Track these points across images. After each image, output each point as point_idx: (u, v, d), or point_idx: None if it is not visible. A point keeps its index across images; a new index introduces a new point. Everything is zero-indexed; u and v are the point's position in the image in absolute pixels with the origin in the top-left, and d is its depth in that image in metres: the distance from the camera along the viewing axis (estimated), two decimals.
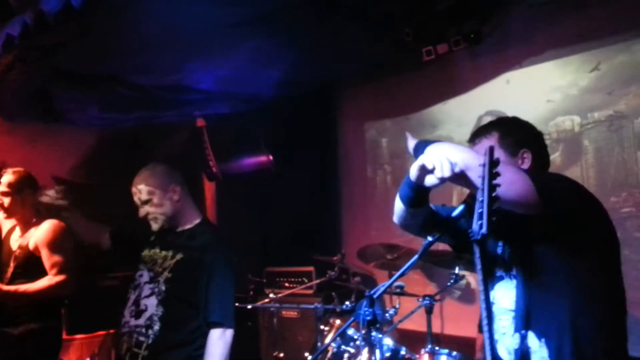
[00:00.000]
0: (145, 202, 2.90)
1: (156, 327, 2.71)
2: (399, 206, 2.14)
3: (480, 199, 1.62)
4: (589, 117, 4.13)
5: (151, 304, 2.76)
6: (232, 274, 2.84)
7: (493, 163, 1.64)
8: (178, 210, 2.93)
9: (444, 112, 5.00)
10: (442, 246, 4.09)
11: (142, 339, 2.72)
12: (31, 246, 3.55)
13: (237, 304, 4.28)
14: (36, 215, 3.68)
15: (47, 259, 3.52)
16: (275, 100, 5.22)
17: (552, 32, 4.23)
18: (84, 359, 4.73)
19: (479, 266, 1.62)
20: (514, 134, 2.05)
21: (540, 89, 4.35)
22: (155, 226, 2.92)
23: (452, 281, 3.53)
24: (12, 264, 3.53)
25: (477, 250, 1.62)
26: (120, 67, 4.14)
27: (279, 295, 4.59)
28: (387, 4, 3.59)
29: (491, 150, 1.66)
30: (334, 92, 5.82)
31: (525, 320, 1.87)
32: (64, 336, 4.58)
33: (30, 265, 3.52)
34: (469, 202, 2.02)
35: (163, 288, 2.78)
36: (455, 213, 2.01)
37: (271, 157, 5.55)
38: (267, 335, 5.08)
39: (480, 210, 1.61)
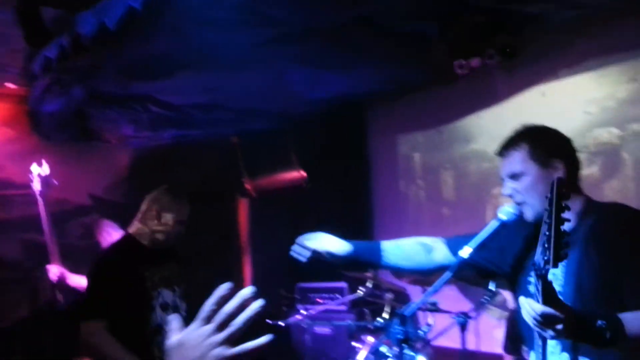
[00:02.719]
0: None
1: None
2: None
3: (547, 233, 1.59)
4: (628, 129, 4.01)
5: None
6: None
7: (561, 196, 1.60)
8: None
9: (478, 126, 4.93)
10: None
11: None
12: None
13: (268, 320, 4.32)
14: None
15: None
16: (307, 117, 5.24)
17: (588, 44, 4.14)
18: None
19: (540, 300, 1.59)
20: (544, 144, 1.97)
21: (576, 101, 4.25)
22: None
23: (487, 298, 3.46)
24: None
25: (539, 283, 1.60)
26: (154, 87, 4.21)
27: (311, 311, 4.56)
28: (418, 19, 3.57)
29: (559, 181, 1.62)
30: (366, 108, 5.80)
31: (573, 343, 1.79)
32: None
33: None
34: (504, 220, 1.98)
35: None
36: (488, 230, 1.97)
37: (304, 173, 5.56)
38: (299, 352, 5.04)
39: (546, 245, 1.58)
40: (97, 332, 2.67)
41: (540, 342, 1.71)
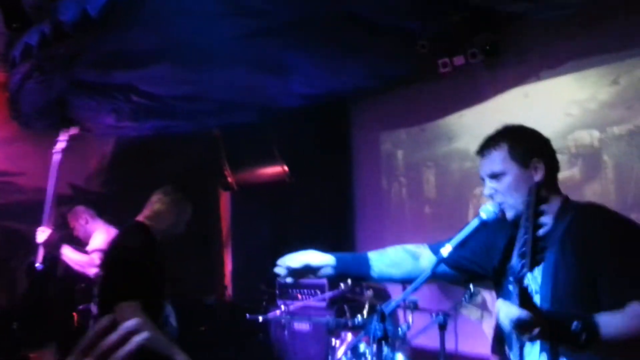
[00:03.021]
0: None
1: None
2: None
3: (524, 237, 1.59)
4: (609, 131, 4.05)
5: None
6: None
7: (539, 200, 1.61)
8: None
9: (461, 125, 4.94)
10: None
11: None
12: None
13: (248, 315, 4.30)
14: None
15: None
16: (290, 111, 5.22)
17: (570, 45, 4.16)
18: None
19: (516, 303, 1.59)
20: (523, 143, 1.97)
21: (558, 103, 4.28)
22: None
23: (466, 297, 3.47)
24: None
25: (515, 288, 1.61)
26: (135, 77, 4.16)
27: (291, 307, 4.55)
28: (402, 15, 3.56)
29: (537, 186, 1.64)
30: (349, 103, 5.79)
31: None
32: None
33: None
34: (485, 220, 1.98)
35: None
36: (469, 229, 1.97)
37: (286, 168, 5.54)
38: (278, 348, 5.03)
39: (523, 249, 1.58)
40: (136, 312, 2.64)
41: (517, 344, 1.72)
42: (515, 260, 1.61)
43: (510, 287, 1.89)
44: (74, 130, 4.13)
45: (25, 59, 3.73)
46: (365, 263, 2.21)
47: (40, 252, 4.04)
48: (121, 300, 2.68)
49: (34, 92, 3.95)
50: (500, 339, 3.38)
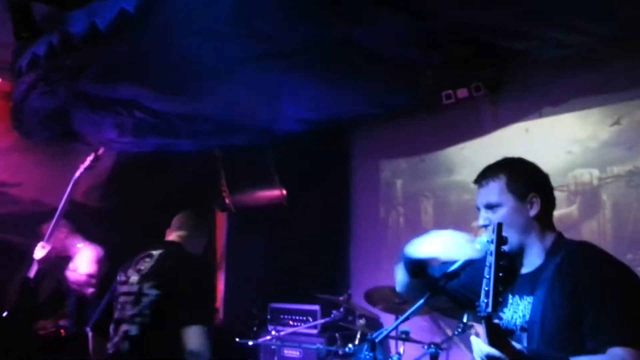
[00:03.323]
0: None
1: None
2: (401, 277, 2.08)
3: (487, 276, 1.62)
4: (608, 171, 4.06)
5: None
6: None
7: (501, 241, 1.65)
8: None
9: (461, 157, 4.95)
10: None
11: None
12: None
13: (237, 339, 4.24)
14: None
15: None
16: (290, 135, 5.23)
17: (573, 84, 4.20)
18: None
19: (486, 341, 1.62)
20: (522, 177, 1.98)
21: (559, 140, 4.30)
22: None
23: (459, 330, 3.43)
24: None
25: (484, 326, 1.63)
26: (139, 93, 4.18)
27: (282, 332, 4.49)
28: (406, 46, 3.60)
29: (499, 227, 1.67)
30: (350, 130, 5.81)
31: None
32: None
33: None
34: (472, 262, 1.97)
35: None
36: (454, 267, 1.96)
37: (284, 192, 5.53)
38: None
39: (487, 288, 1.61)
40: (203, 337, 2.70)
41: None
42: (482, 299, 1.63)
43: (505, 321, 1.89)
44: (101, 151, 4.10)
45: (31, 69, 3.76)
46: None
47: (34, 268, 3.97)
48: (192, 324, 2.70)
49: (38, 103, 3.97)
50: None
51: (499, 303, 1.60)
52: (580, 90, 4.18)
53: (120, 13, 2.98)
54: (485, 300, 1.60)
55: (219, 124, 4.87)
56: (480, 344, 1.64)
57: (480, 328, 3.83)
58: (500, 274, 1.61)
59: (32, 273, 3.96)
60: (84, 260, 4.23)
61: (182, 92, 4.16)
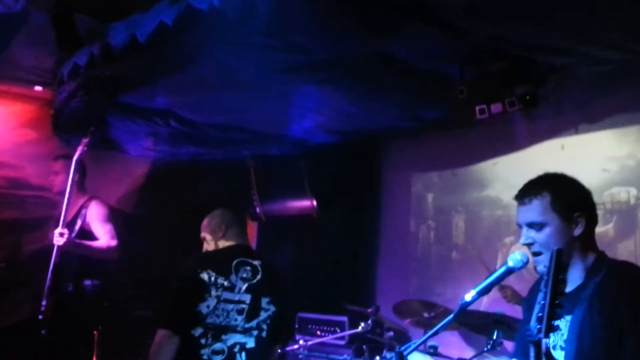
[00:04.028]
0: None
1: None
2: None
3: (542, 302, 1.60)
4: None
5: None
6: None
7: (560, 268, 1.62)
8: None
9: (494, 172, 4.91)
10: (481, 309, 3.96)
11: None
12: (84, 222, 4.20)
13: None
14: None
15: (100, 228, 4.20)
16: (323, 146, 5.26)
17: (611, 101, 4.13)
18: None
19: None
20: (567, 195, 1.92)
21: (596, 158, 4.22)
22: None
23: (488, 347, 3.39)
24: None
25: (532, 350, 1.61)
26: (175, 103, 4.27)
27: (310, 342, 4.50)
28: (441, 60, 3.59)
29: (558, 254, 1.63)
30: (382, 143, 5.80)
31: None
32: None
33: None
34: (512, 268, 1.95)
35: None
36: (486, 283, 1.94)
37: (315, 203, 5.55)
38: None
39: (540, 314, 1.59)
40: None
41: None
42: (533, 323, 1.61)
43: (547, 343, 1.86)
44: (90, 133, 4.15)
45: (72, 78, 3.87)
46: None
47: (56, 255, 3.94)
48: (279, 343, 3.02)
49: (78, 111, 4.07)
50: None
51: (552, 329, 1.59)
52: (618, 108, 4.10)
53: (160, 26, 3.05)
54: (538, 326, 1.58)
55: (252, 134, 4.93)
56: None
57: (511, 345, 3.76)
58: (557, 302, 1.59)
59: (55, 260, 3.92)
60: (98, 226, 4.26)
61: (217, 104, 4.22)
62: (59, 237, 3.87)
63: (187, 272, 2.88)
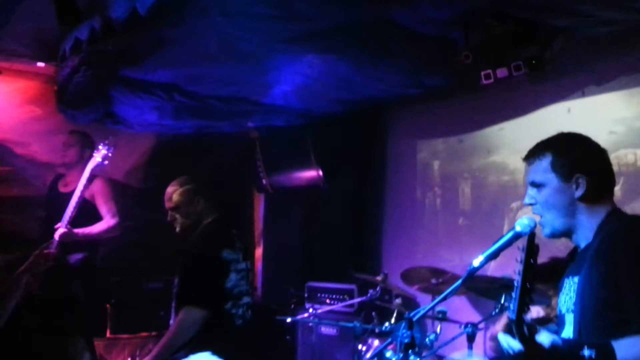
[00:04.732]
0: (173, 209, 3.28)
1: None
2: None
3: (516, 285, 1.64)
4: None
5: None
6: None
7: (532, 252, 1.64)
8: None
9: (500, 138, 4.88)
10: (489, 274, 3.99)
11: None
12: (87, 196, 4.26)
13: (276, 317, 4.33)
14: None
15: (102, 206, 4.30)
16: (327, 116, 5.24)
17: (617, 61, 4.08)
18: (126, 359, 4.81)
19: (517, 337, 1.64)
20: (569, 155, 1.91)
21: (602, 120, 4.18)
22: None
23: (497, 310, 3.41)
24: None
25: (515, 328, 1.65)
26: (179, 76, 4.25)
27: (319, 310, 4.56)
28: (444, 25, 3.55)
29: (530, 237, 1.66)
30: (387, 111, 5.78)
31: None
32: (108, 335, 4.71)
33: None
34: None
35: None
36: (495, 248, 1.94)
37: (321, 173, 5.55)
38: (304, 351, 5.04)
39: (514, 295, 1.64)
40: None
41: None
42: (511, 303, 1.65)
43: (559, 307, 1.88)
44: (109, 141, 4.24)
45: (74, 53, 3.84)
46: None
47: (55, 246, 4.11)
48: None
49: (81, 86, 4.06)
50: None
51: (524, 312, 1.62)
52: (626, 69, 4.05)
53: None
54: (512, 307, 1.63)
55: (256, 105, 4.91)
56: (509, 341, 1.66)
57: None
58: (528, 285, 1.62)
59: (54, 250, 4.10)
60: (101, 203, 4.34)
61: (220, 75, 4.20)
62: (60, 233, 4.06)
63: (212, 253, 3.10)
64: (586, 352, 1.62)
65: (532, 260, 1.63)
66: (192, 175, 3.40)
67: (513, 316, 1.62)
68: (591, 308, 1.77)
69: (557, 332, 1.94)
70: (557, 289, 2.02)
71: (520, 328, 1.63)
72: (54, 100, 4.40)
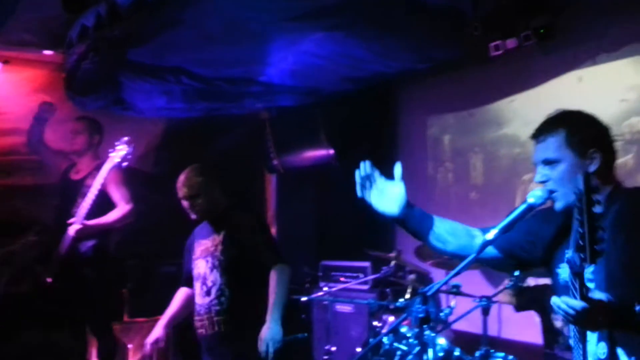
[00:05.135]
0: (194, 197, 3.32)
1: (227, 292, 3.20)
2: None
3: (580, 230, 1.59)
4: None
5: (216, 277, 3.22)
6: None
7: (590, 190, 1.59)
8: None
9: (511, 110, 4.84)
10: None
11: (218, 307, 3.19)
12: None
13: (292, 296, 4.37)
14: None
15: (115, 192, 4.26)
16: (337, 94, 5.21)
17: (628, 28, 4.01)
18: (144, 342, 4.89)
19: (577, 296, 1.65)
20: (582, 132, 1.92)
21: (614, 88, 4.14)
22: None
23: (511, 283, 3.43)
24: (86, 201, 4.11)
25: (575, 281, 1.65)
26: (186, 59, 4.23)
27: (334, 289, 4.59)
28: None
29: (587, 176, 1.61)
30: (397, 87, 5.74)
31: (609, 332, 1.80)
32: (125, 319, 4.77)
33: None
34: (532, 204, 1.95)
35: (222, 258, 3.24)
36: (516, 213, 1.94)
37: (332, 151, 5.55)
38: (320, 329, 5.09)
39: (580, 243, 1.59)
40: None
41: (579, 336, 1.75)
42: (573, 254, 1.61)
43: (560, 276, 1.88)
44: (127, 140, 4.23)
45: (81, 40, 3.84)
46: (430, 220, 2.21)
47: (69, 243, 4.15)
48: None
49: (89, 73, 4.06)
50: (550, 331, 3.35)
51: (597, 255, 1.57)
52: (636, 35, 3.99)
53: None
54: (582, 255, 1.58)
55: (265, 85, 4.90)
56: (568, 302, 1.66)
57: (532, 282, 3.80)
58: (596, 224, 1.57)
59: (66, 248, 4.14)
60: (113, 189, 4.31)
61: (226, 57, 4.18)
62: (75, 229, 4.08)
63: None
64: (637, 307, 1.66)
65: (593, 199, 1.60)
66: (204, 162, 3.45)
67: (586, 263, 1.59)
68: (621, 273, 1.79)
69: None
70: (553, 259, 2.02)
71: (582, 286, 1.64)
72: (63, 87, 4.41)
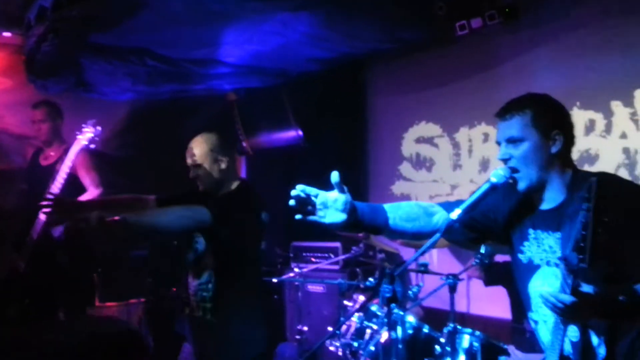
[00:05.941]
0: (196, 166, 3.09)
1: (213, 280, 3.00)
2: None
3: (583, 232, 1.67)
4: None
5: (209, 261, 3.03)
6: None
7: (601, 197, 1.67)
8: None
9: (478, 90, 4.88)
10: None
11: (205, 294, 3.01)
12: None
13: (264, 278, 4.38)
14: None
15: (85, 177, 4.23)
16: (305, 75, 5.18)
17: (591, 7, 4.06)
18: None
19: (567, 291, 1.73)
20: (548, 114, 1.98)
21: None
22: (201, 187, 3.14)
23: (477, 261, 3.48)
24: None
25: (569, 277, 1.73)
26: (150, 40, 4.16)
27: (305, 269, 4.62)
28: None
29: (598, 184, 1.69)
30: (365, 67, 5.74)
31: None
32: (97, 304, 4.73)
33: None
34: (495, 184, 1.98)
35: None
36: (472, 199, 1.96)
37: (301, 133, 5.54)
38: (292, 309, 5.12)
39: (582, 245, 1.67)
40: None
41: (561, 326, 1.83)
42: (571, 252, 1.69)
43: (524, 254, 1.92)
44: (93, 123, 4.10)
45: (40, 21, 3.74)
46: (382, 213, 2.12)
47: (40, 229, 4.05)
48: None
49: (50, 55, 3.96)
50: (519, 308, 3.43)
51: (595, 259, 1.68)
52: (599, 14, 4.04)
53: None
54: (580, 256, 1.67)
55: (231, 67, 4.84)
56: (560, 295, 1.73)
57: (499, 257, 3.86)
58: (600, 230, 1.66)
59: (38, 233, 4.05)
60: (83, 174, 4.26)
61: (191, 38, 4.12)
62: (45, 213, 3.93)
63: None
64: (621, 297, 1.75)
65: (602, 206, 1.68)
66: (217, 132, 3.25)
67: (582, 265, 1.68)
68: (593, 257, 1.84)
69: (521, 279, 2.05)
70: (514, 235, 2.07)
71: (575, 282, 1.73)
72: (24, 70, 4.30)
